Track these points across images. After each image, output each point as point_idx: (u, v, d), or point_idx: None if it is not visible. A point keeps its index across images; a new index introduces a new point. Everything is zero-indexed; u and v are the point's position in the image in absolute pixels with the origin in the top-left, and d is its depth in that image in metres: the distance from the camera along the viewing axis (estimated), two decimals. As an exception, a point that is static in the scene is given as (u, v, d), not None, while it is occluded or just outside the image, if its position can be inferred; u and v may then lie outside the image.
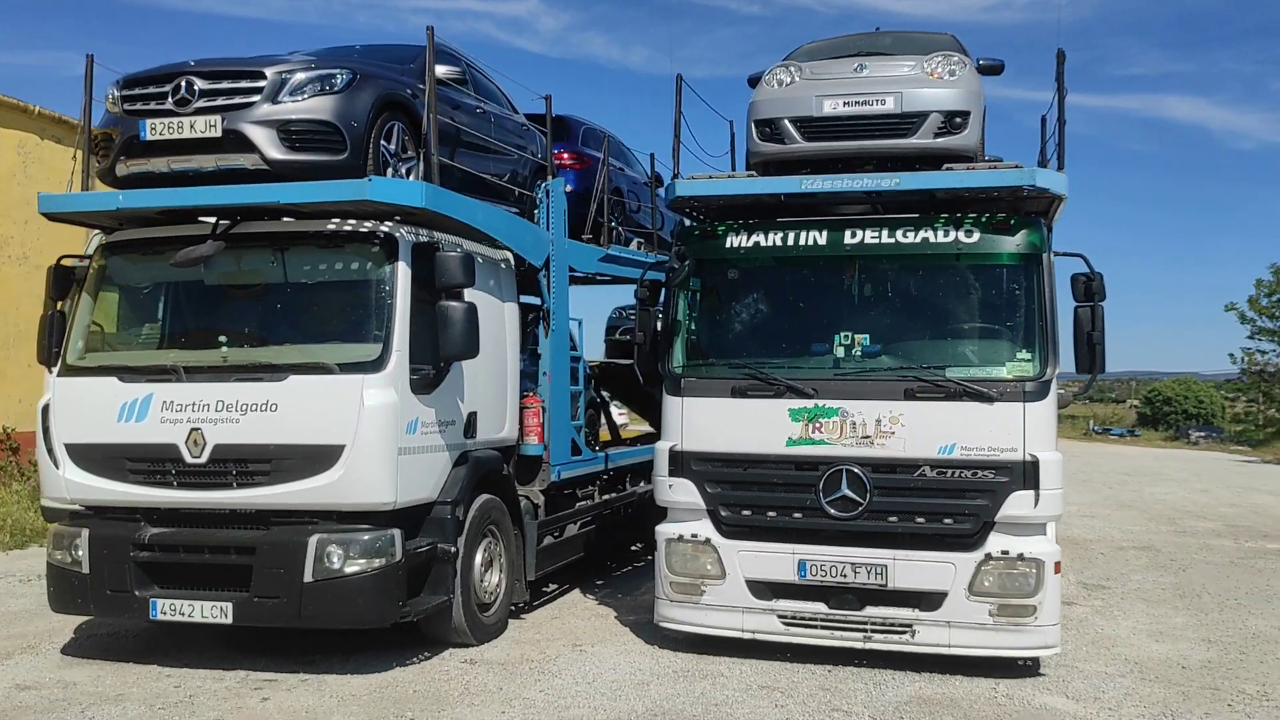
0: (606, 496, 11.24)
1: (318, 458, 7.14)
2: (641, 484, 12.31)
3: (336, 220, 7.53)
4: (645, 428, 14.66)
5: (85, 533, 7.52)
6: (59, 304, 8.18)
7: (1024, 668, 7.71)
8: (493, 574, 8.46)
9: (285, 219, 7.66)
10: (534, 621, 9.10)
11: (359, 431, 7.07)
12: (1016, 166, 7.66)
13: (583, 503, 10.61)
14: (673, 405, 8.15)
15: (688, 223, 8.81)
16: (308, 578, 7.10)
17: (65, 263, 8.22)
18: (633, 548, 12.53)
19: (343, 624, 7.38)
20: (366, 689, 7.08)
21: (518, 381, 9.13)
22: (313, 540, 7.12)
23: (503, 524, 8.62)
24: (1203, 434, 61.34)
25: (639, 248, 12.88)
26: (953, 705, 6.85)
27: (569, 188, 10.67)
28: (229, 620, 7.23)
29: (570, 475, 10.01)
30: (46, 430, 7.67)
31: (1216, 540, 15.38)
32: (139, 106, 7.48)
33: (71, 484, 7.57)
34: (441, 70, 8.46)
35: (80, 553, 7.51)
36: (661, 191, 11.49)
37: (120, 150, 7.50)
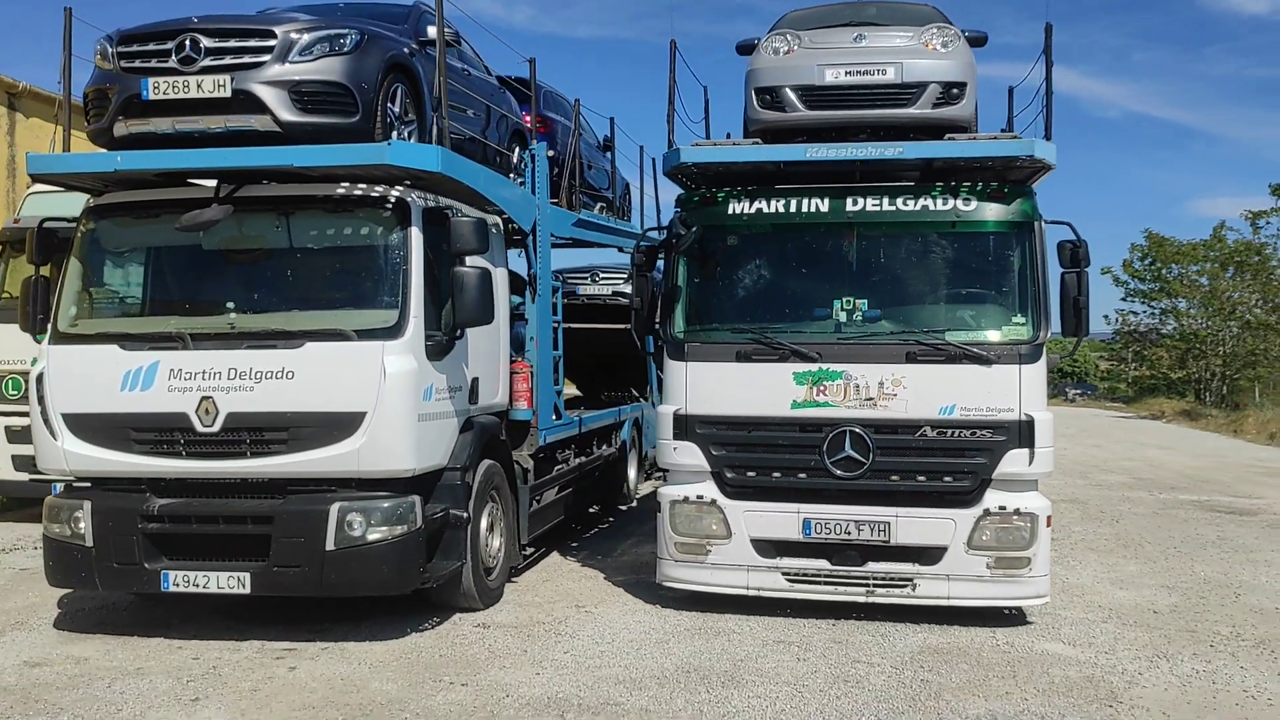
0: (579, 460, 11.33)
1: (337, 425, 7.06)
2: (604, 447, 12.46)
3: (346, 184, 7.40)
4: (572, 390, 14.86)
5: (87, 505, 7.31)
6: (42, 269, 7.89)
7: (1011, 617, 8.11)
8: (494, 538, 8.50)
9: (291, 182, 7.48)
10: (527, 585, 9.17)
11: (381, 398, 7.02)
12: (1015, 138, 7.93)
13: (560, 466, 10.68)
14: (675, 369, 8.26)
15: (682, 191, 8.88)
16: (329, 546, 7.04)
17: (48, 225, 7.92)
18: (590, 509, 12.66)
19: (364, 591, 7.36)
20: (391, 655, 7.08)
21: (508, 347, 9.13)
22: (334, 508, 7.06)
23: (502, 489, 8.66)
24: (1078, 391, 64.32)
25: (601, 211, 12.91)
26: (963, 654, 7.17)
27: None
28: (246, 590, 7.14)
29: (553, 439, 10.08)
30: (42, 400, 7.40)
31: (1132, 493, 16.21)
32: (138, 64, 7.21)
33: (71, 455, 7.34)
34: (433, 32, 8.33)
35: (82, 525, 7.31)
36: (658, 157, 11.46)
37: (119, 110, 7.22)
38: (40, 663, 6.94)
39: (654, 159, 15.38)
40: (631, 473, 13.92)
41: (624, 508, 13.54)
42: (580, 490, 11.37)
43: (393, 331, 7.15)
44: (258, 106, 7.08)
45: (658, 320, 8.52)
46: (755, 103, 8.35)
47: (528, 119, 11.45)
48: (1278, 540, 12.00)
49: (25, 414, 11.79)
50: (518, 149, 10.30)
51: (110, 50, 7.32)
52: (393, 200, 7.39)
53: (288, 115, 7.11)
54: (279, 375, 7.09)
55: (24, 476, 12.20)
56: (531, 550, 10.45)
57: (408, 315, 7.20)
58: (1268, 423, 32.14)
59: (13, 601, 8.60)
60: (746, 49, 9.25)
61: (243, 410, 7.10)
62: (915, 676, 6.66)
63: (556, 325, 10.30)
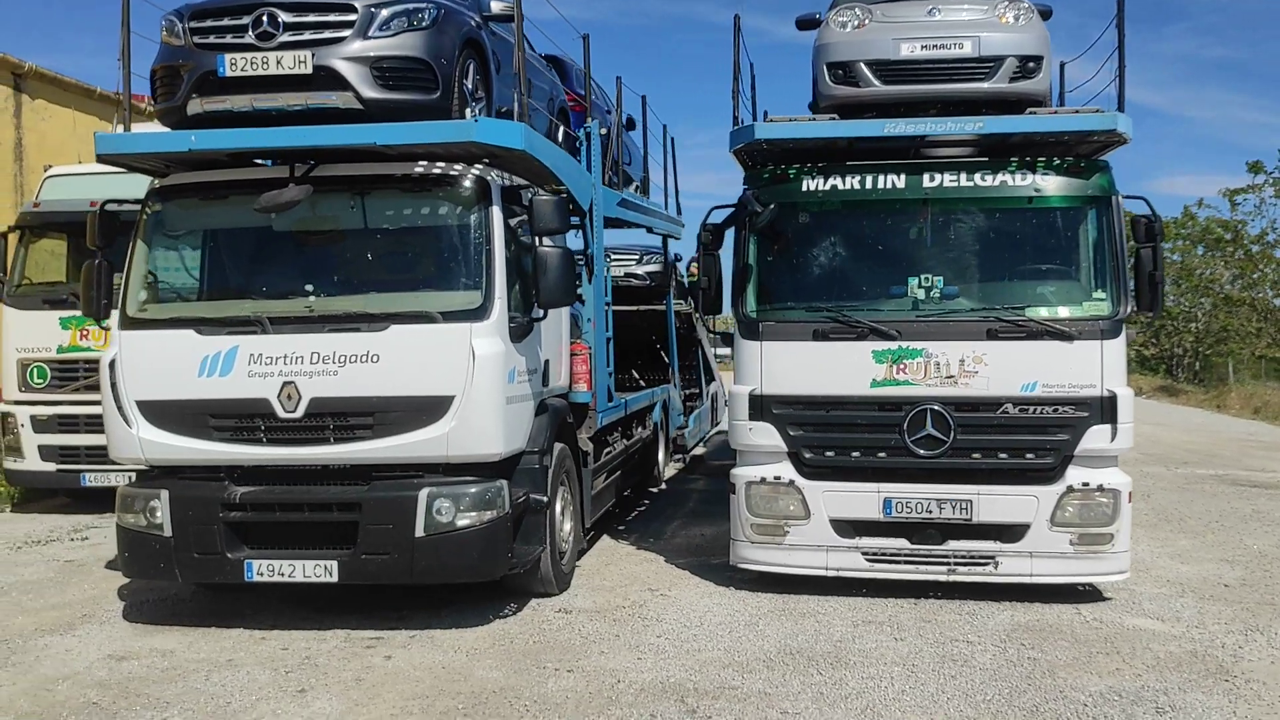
0: (623, 443, 11.23)
1: (425, 409, 6.91)
2: (640, 429, 12.36)
3: (424, 163, 7.23)
4: None
5: (165, 494, 7.12)
6: (103, 252, 7.67)
7: (1087, 593, 8.09)
8: (565, 522, 8.39)
9: (365, 161, 7.29)
10: (590, 569, 9.05)
11: (471, 382, 6.87)
12: (1098, 111, 7.87)
13: (609, 450, 10.57)
14: (750, 349, 8.16)
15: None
16: (419, 533, 6.90)
17: (109, 208, 7.69)
18: (624, 492, 12.56)
19: (453, 578, 7.23)
20: (483, 643, 6.95)
21: (568, 328, 9.00)
22: (423, 494, 6.91)
23: (570, 472, 8.55)
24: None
25: (635, 191, 12.77)
26: (1057, 631, 7.15)
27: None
28: (334, 579, 6.99)
29: (606, 422, 9.97)
30: (114, 387, 7.19)
31: (1148, 468, 16.24)
32: (212, 40, 6.99)
33: (147, 443, 7.14)
34: (498, 6, 8.15)
35: (160, 515, 7.13)
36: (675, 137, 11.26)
37: (193, 87, 7.00)
38: (126, 656, 6.76)
39: (672, 138, 15.28)
40: (660, 455, 13.83)
41: (654, 490, 13.46)
42: (625, 473, 11.27)
43: (478, 313, 7.00)
44: (339, 83, 6.88)
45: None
46: (827, 78, 8.21)
47: (569, 96, 11.28)
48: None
49: (50, 403, 11.65)
50: (562, 126, 10.13)
51: (181, 26, 7.09)
52: (472, 179, 7.22)
53: (370, 92, 6.91)
54: (364, 359, 6.92)
55: (50, 467, 12.01)
56: (589, 534, 10.36)
57: (492, 296, 7.05)
58: (1250, 397, 32.51)
59: (69, 594, 8.39)
60: (808, 23, 9.12)
61: (327, 395, 6.93)
62: (1021, 654, 6.62)
63: (607, 306, 10.17)
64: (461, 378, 6.87)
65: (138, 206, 7.63)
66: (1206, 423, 26.91)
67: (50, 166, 13.09)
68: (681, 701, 5.84)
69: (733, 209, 8.58)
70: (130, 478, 11.40)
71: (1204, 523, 11.41)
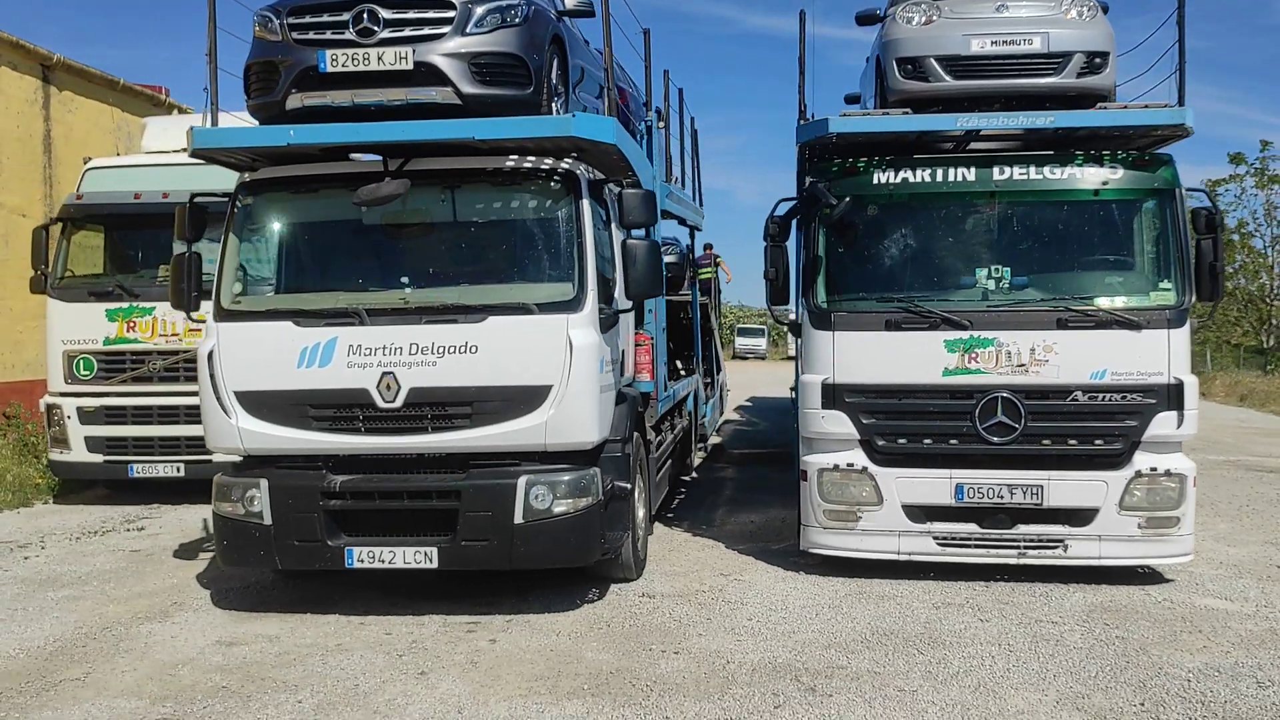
0: (672, 433, 11.40)
1: (523, 399, 7.05)
2: (679, 419, 12.53)
3: (515, 157, 7.35)
4: None
5: (264, 483, 7.23)
6: (192, 245, 7.77)
7: (1147, 575, 8.33)
8: (639, 508, 8.54)
9: (457, 155, 7.40)
10: (656, 555, 9.18)
11: (569, 372, 7.01)
12: (1166, 106, 8.09)
13: (662, 438, 10.72)
14: (821, 339, 8.33)
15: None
16: (518, 519, 7.05)
17: (199, 200, 7.78)
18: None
19: (549, 564, 7.38)
20: (581, 626, 7.11)
21: (633, 318, 9.15)
22: (522, 482, 7.06)
23: (642, 461, 8.70)
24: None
25: (674, 184, 12.91)
26: (1134, 612, 7.38)
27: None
28: (434, 565, 7.13)
29: (664, 410, 10.14)
30: (213, 377, 7.28)
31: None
32: (312, 36, 7.08)
33: (246, 433, 7.24)
34: (571, 1, 8.27)
35: (259, 504, 7.23)
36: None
37: (293, 83, 7.09)
38: (234, 641, 6.87)
39: (695, 131, 15.42)
40: (693, 444, 14.01)
41: (686, 479, 13.63)
42: (673, 461, 11.44)
43: (573, 304, 7.14)
44: (439, 79, 7.00)
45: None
46: (897, 72, 8.39)
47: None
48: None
49: (97, 394, 11.70)
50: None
51: (278, 23, 7.18)
52: (562, 172, 7.36)
53: (468, 87, 7.04)
54: (462, 350, 7.05)
55: (97, 458, 12.05)
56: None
57: (585, 288, 7.19)
58: (1235, 385, 33.04)
59: (149, 584, 8.47)
60: (868, 19, 9.35)
61: (426, 385, 7.05)
62: (1108, 634, 6.85)
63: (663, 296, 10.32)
64: (559, 368, 7.01)
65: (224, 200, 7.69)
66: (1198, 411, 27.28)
67: (90, 159, 13.07)
68: (797, 680, 6.03)
69: (795, 201, 8.77)
70: (179, 469, 11.57)
71: (1235, 507, 11.70)
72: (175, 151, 12.60)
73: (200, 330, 11.23)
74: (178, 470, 11.90)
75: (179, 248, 7.87)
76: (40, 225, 12.36)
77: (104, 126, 16.48)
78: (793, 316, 9.11)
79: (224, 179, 11.51)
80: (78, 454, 12.02)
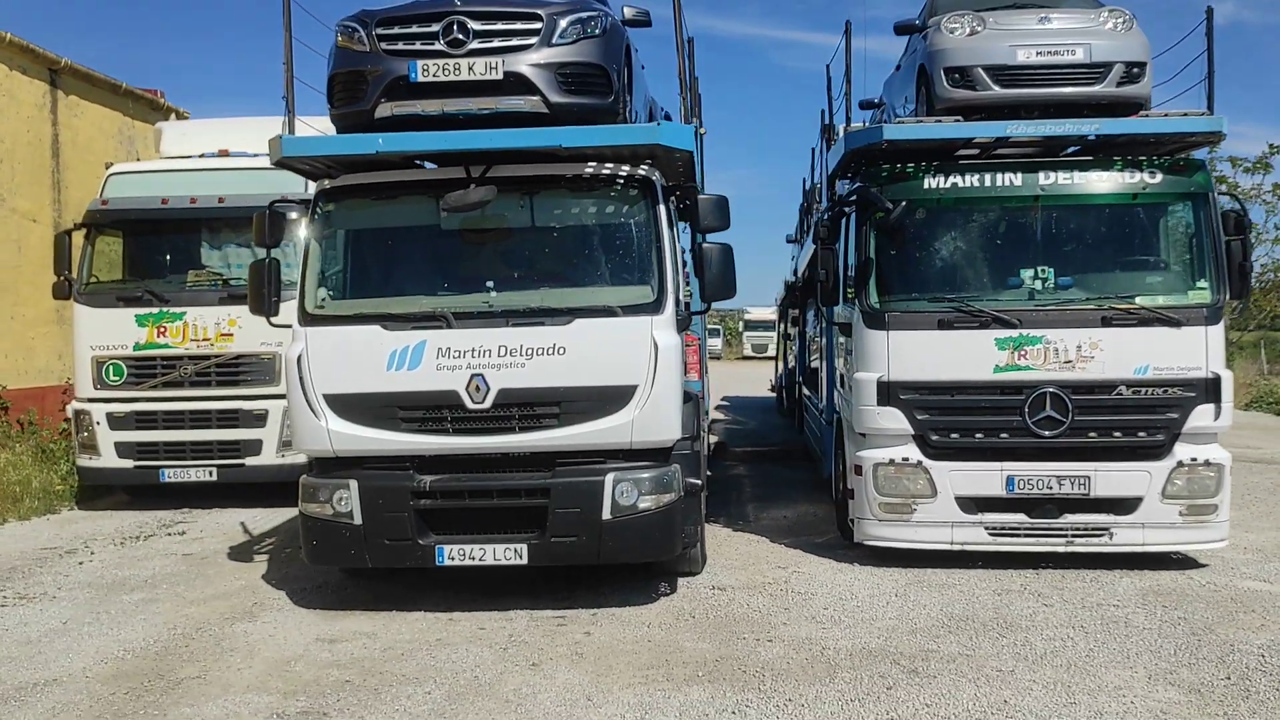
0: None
1: (610, 399, 7.28)
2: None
3: (594, 163, 7.57)
4: None
5: (354, 484, 7.38)
6: (271, 250, 7.91)
7: (1183, 561, 8.75)
8: (701, 505, 8.80)
9: (537, 162, 7.60)
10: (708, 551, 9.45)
11: (654, 372, 7.25)
12: (1204, 114, 8.52)
13: (707, 435, 10.99)
14: (875, 338, 8.65)
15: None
16: (606, 516, 7.27)
17: (278, 207, 7.92)
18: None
19: (636, 558, 7.62)
20: (666, 618, 7.36)
21: (684, 319, 9.39)
22: (609, 479, 7.28)
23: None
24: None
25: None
26: (1186, 595, 7.78)
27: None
28: (524, 561, 7.34)
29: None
30: (301, 381, 7.42)
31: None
32: (401, 47, 7.26)
33: (336, 435, 7.39)
34: (630, 11, 8.49)
35: (348, 504, 7.38)
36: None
37: (383, 92, 7.26)
38: (335, 639, 7.02)
39: (703, 133, 15.71)
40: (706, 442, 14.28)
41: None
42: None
43: (655, 306, 7.38)
44: (528, 88, 7.21)
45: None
46: (945, 81, 8.75)
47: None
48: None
49: (126, 400, 11.73)
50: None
51: (365, 33, 7.34)
52: (639, 178, 7.60)
53: (556, 96, 7.25)
54: (550, 351, 7.26)
55: (128, 463, 12.07)
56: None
57: (665, 290, 7.44)
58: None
59: (219, 586, 8.57)
60: (907, 29, 9.72)
61: (514, 386, 7.25)
62: (1170, 615, 7.23)
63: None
64: (645, 368, 7.25)
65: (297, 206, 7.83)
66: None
67: (111, 164, 13.06)
68: (896, 664, 6.32)
69: (841, 205, 9.11)
70: (211, 473, 11.64)
71: (1239, 495, 12.12)
72: (197, 156, 12.70)
73: (232, 335, 11.43)
74: (210, 474, 11.95)
75: (258, 254, 8.00)
76: (63, 231, 12.34)
77: (108, 131, 16.39)
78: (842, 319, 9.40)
79: (251, 184, 11.68)
80: (107, 459, 12.02)
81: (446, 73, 7.17)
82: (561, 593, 7.95)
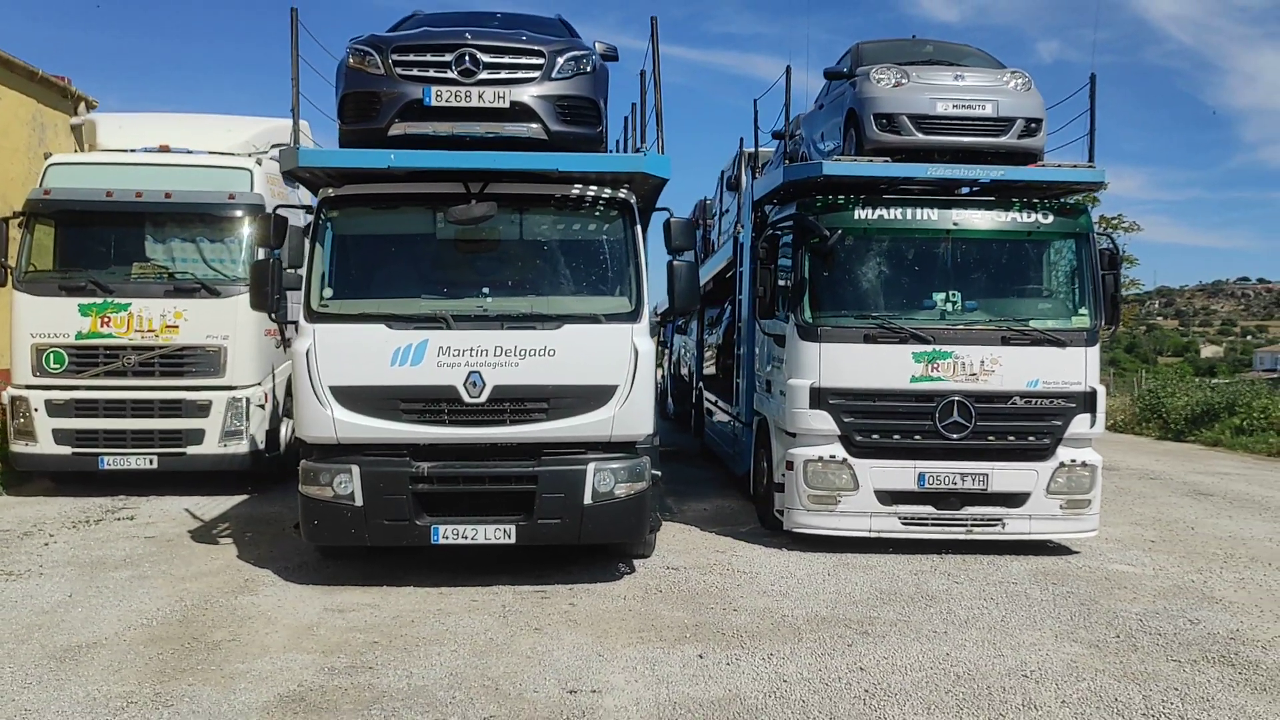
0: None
1: (593, 397, 8.18)
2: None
3: (580, 185, 8.46)
4: None
5: (355, 469, 8.06)
6: (274, 251, 8.51)
7: (1057, 549, 10.18)
8: (651, 495, 9.76)
9: (528, 182, 8.42)
10: (646, 536, 10.40)
11: (634, 374, 8.18)
12: (1091, 166, 9.99)
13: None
14: (808, 349, 9.79)
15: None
16: (587, 501, 8.17)
17: (281, 212, 8.52)
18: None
19: (610, 540, 8.54)
20: (635, 591, 8.29)
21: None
22: (590, 468, 8.18)
23: (649, 452, 9.91)
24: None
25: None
26: (1067, 575, 9.15)
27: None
28: (511, 541, 8.16)
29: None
30: (309, 373, 8.05)
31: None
32: (416, 73, 8.00)
33: (341, 424, 8.05)
34: (601, 46, 9.40)
35: (349, 487, 8.06)
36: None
37: (398, 113, 7.98)
38: (342, 609, 7.70)
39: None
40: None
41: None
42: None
43: (633, 315, 8.32)
44: (532, 116, 8.07)
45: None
46: (874, 126, 9.99)
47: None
48: (1164, 490, 14.89)
49: (66, 388, 12.01)
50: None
51: (379, 58, 8.05)
52: (620, 200, 8.53)
53: (555, 125, 8.14)
54: (541, 353, 8.11)
55: (66, 450, 12.28)
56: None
57: (642, 301, 8.39)
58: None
59: (200, 565, 9.06)
60: (836, 75, 10.93)
61: (508, 383, 8.07)
62: (1060, 590, 8.57)
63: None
64: (626, 370, 8.18)
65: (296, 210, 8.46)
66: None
67: (50, 154, 13.18)
68: (848, 627, 7.42)
69: (776, 229, 10.25)
70: (152, 461, 12.01)
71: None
72: (139, 150, 12.97)
73: (177, 327, 11.84)
74: (150, 463, 12.26)
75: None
76: (1, 218, 12.43)
77: (21, 117, 16.25)
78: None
79: (195, 180, 12.13)
80: (44, 446, 12.19)
81: (458, 98, 7.96)
82: (535, 571, 8.78)
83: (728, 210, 16.65)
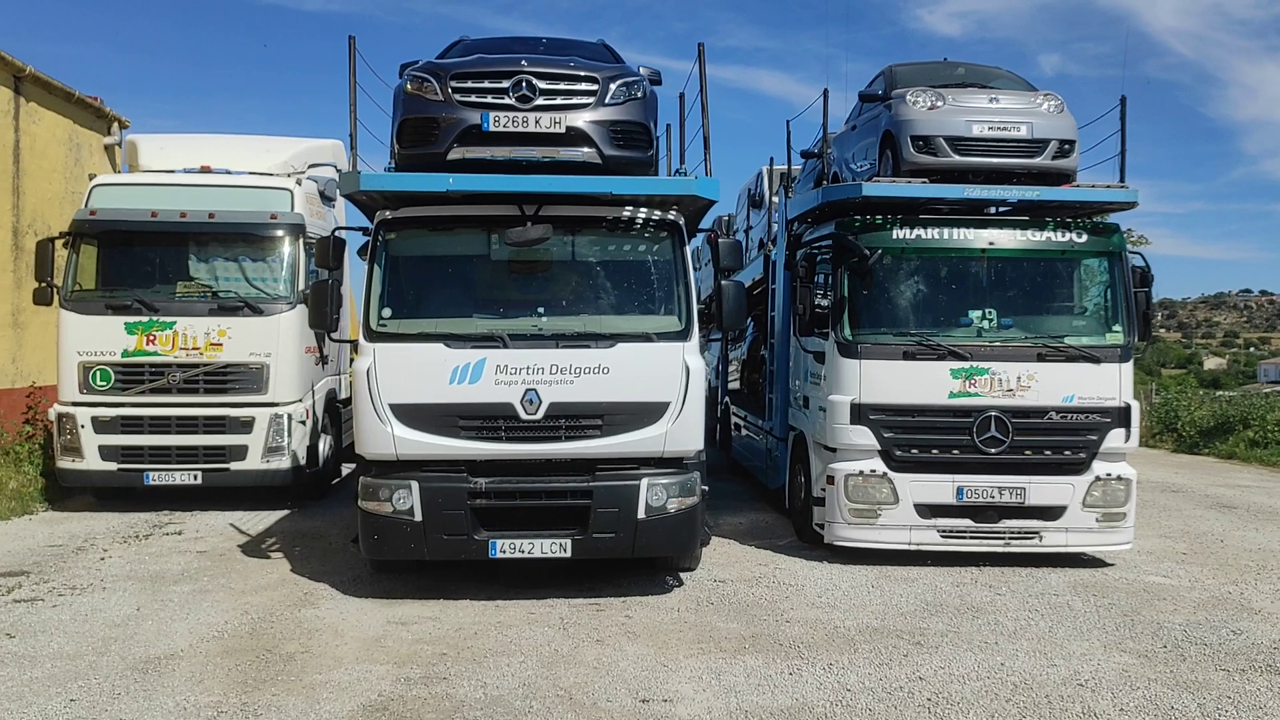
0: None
1: (646, 413, 8.39)
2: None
3: (630, 207, 8.68)
4: None
5: (414, 485, 8.27)
6: (333, 272, 8.74)
7: (1092, 561, 10.37)
8: (695, 509, 9.94)
9: (580, 205, 8.64)
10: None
11: (686, 391, 8.40)
12: (1124, 187, 10.21)
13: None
14: (849, 366, 10.00)
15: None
16: (640, 515, 8.37)
17: (340, 235, 8.76)
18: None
19: (663, 553, 8.74)
20: (687, 604, 8.49)
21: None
22: (644, 483, 8.38)
23: (692, 466, 10.11)
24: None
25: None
26: (1106, 587, 9.34)
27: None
28: (567, 555, 8.36)
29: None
30: (370, 391, 8.26)
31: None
32: (474, 100, 8.24)
33: (400, 440, 8.25)
34: (646, 71, 9.64)
35: (408, 503, 8.26)
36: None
37: (456, 138, 8.21)
38: (405, 622, 7.89)
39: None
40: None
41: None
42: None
43: (684, 334, 8.54)
44: (587, 141, 8.30)
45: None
46: (911, 148, 10.22)
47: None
48: (1188, 503, 15.07)
49: (112, 405, 12.22)
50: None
51: (437, 85, 8.29)
52: (670, 222, 8.76)
53: (609, 150, 8.37)
54: (596, 371, 8.32)
55: (111, 466, 12.47)
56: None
57: (692, 320, 8.60)
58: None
59: (255, 580, 9.26)
60: (871, 97, 11.17)
61: (564, 400, 8.28)
62: (1100, 602, 8.75)
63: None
64: (678, 387, 8.39)
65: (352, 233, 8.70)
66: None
67: (94, 175, 13.43)
68: (900, 638, 7.61)
69: (812, 248, 10.47)
70: (196, 477, 12.22)
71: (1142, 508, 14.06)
72: (180, 171, 13.22)
73: (221, 345, 12.07)
74: (195, 478, 12.47)
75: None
76: (47, 239, 12.68)
77: (59, 138, 16.51)
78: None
79: (236, 201, 12.41)
80: (91, 462, 12.40)
81: (515, 124, 8.20)
82: (585, 585, 8.98)
83: (751, 227, 16.88)
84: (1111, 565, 10.29)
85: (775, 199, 14.09)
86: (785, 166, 13.22)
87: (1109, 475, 10.02)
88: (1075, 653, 7.33)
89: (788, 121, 12.72)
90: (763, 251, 14.42)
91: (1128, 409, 9.99)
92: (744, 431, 15.79)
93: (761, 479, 14.11)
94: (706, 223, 11.04)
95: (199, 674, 6.67)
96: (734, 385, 17.69)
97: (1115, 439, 10.00)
